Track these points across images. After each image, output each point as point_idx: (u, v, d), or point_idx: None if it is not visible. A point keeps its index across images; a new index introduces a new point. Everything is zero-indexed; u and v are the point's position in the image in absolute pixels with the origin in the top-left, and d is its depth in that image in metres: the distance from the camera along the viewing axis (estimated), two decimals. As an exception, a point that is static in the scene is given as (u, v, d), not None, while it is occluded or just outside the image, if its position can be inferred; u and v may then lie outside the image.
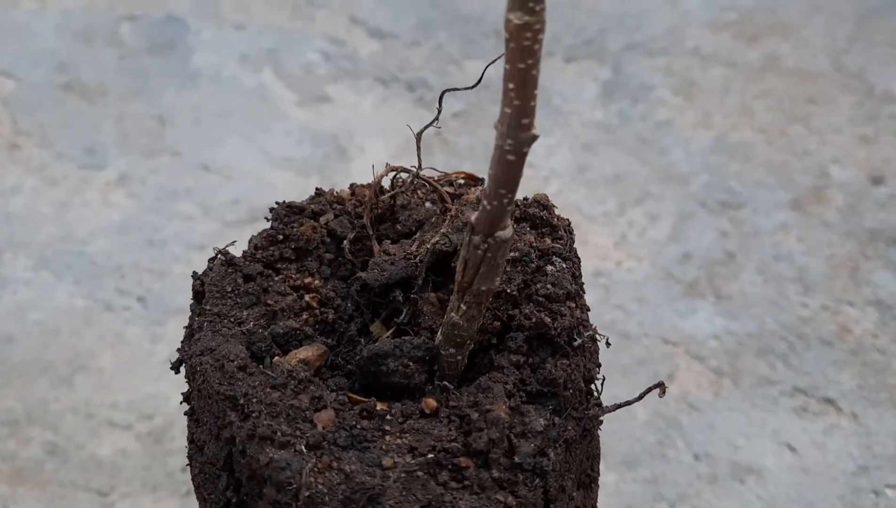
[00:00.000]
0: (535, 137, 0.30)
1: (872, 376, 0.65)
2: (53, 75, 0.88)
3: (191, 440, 0.37)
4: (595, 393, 0.38)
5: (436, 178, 0.40)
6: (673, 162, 0.82)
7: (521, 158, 0.30)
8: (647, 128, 0.85)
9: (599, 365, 0.38)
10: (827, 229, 0.76)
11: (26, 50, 0.90)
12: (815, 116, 0.88)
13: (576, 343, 0.35)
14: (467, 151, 0.82)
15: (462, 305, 0.32)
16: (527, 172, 0.85)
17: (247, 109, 0.85)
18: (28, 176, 0.76)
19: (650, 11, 1.02)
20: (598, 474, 0.41)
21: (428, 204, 0.40)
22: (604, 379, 0.39)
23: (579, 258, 0.39)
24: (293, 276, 0.37)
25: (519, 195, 0.69)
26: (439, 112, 0.39)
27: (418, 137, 0.39)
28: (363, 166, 0.80)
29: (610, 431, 0.60)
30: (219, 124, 0.83)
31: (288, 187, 0.78)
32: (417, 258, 0.36)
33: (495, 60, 0.46)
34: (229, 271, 0.37)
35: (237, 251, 0.42)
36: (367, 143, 0.83)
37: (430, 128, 0.50)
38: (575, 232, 0.72)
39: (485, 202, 0.31)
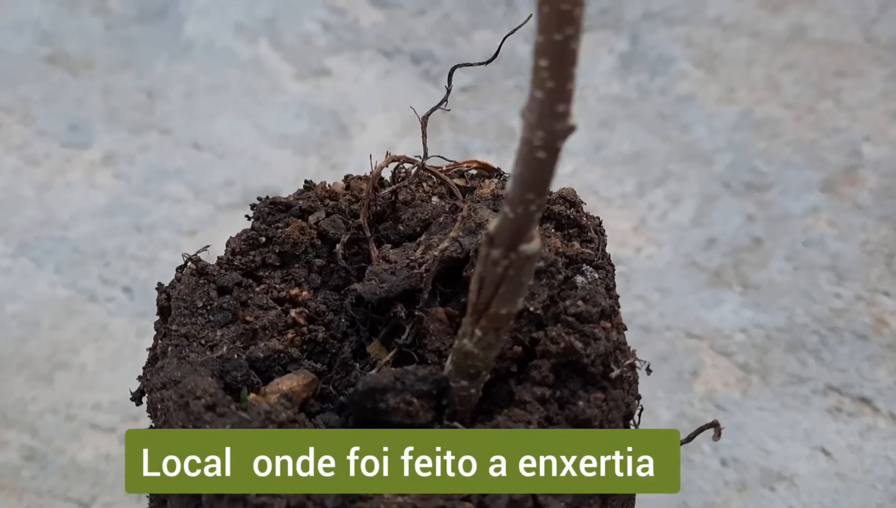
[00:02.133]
0: (572, 129, 0.25)
1: (912, 373, 0.60)
2: (36, 46, 0.82)
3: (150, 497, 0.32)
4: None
5: (444, 168, 0.35)
6: (695, 139, 0.77)
7: (553, 154, 0.25)
8: (668, 102, 0.80)
9: (639, 397, 0.33)
10: (860, 212, 0.71)
11: (7, 19, 0.85)
12: (846, 91, 0.83)
13: (613, 374, 0.30)
14: (477, 127, 0.77)
15: (477, 330, 0.27)
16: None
17: (241, 82, 0.80)
18: (8, 155, 0.72)
19: (669, -22, 0.96)
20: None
21: (435, 199, 0.35)
22: (641, 409, 0.34)
23: (613, 266, 0.35)
24: (277, 286, 0.32)
25: None
26: (448, 92, 0.34)
27: (424, 121, 0.34)
28: (365, 144, 0.75)
29: (630, 433, 0.56)
30: (211, 99, 0.79)
31: (285, 167, 0.73)
32: (423, 268, 0.31)
33: (515, 31, 0.41)
34: (201, 281, 0.33)
35: (215, 253, 0.37)
36: (369, 119, 0.78)
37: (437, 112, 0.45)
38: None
39: (507, 209, 0.26)
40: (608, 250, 0.66)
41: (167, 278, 0.63)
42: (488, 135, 0.76)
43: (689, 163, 0.74)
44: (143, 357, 0.59)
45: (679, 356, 0.60)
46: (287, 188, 0.71)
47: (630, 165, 0.74)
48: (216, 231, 0.67)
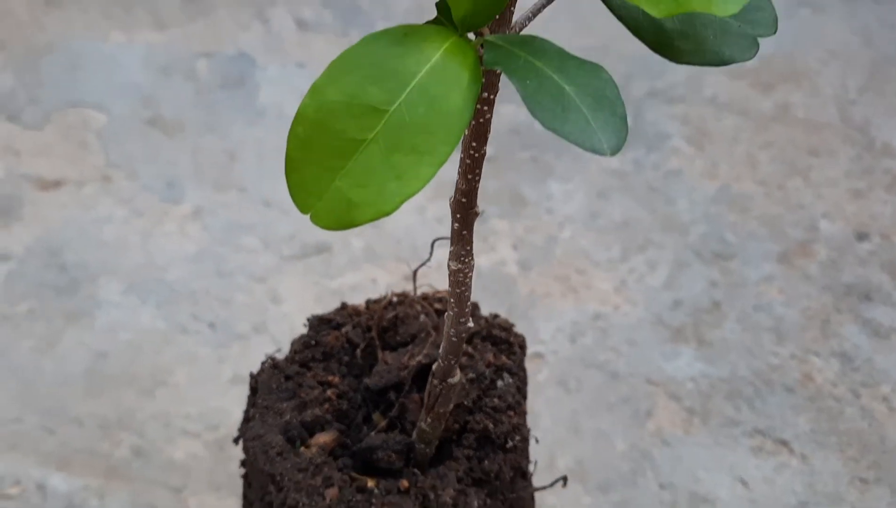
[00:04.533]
0: (470, 329, 0.42)
1: (825, 421, 0.75)
2: (139, 109, 1.01)
3: (244, 496, 0.50)
4: (527, 477, 0.50)
5: (431, 294, 0.52)
6: (677, 211, 0.92)
7: (461, 339, 0.42)
8: (658, 177, 0.95)
9: (528, 459, 0.50)
10: (808, 282, 0.85)
11: (115, 84, 1.04)
12: (815, 169, 0.97)
13: (509, 445, 0.47)
14: (494, 195, 0.93)
15: (428, 418, 0.45)
16: (544, 218, 0.98)
17: (304, 147, 0.97)
18: (118, 207, 0.90)
19: (674, 57, 1.10)
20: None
21: (423, 317, 0.52)
22: (536, 463, 0.51)
23: (525, 371, 0.51)
24: (320, 374, 0.50)
25: (537, 240, 0.81)
26: (429, 257, 0.50)
27: (414, 273, 0.51)
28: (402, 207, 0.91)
29: (592, 459, 0.72)
30: (279, 161, 0.96)
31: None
32: (406, 371, 0.48)
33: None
34: (275, 372, 0.50)
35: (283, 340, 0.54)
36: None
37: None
38: (580, 277, 0.83)
39: (440, 360, 0.43)
40: (591, 307, 0.82)
41: (241, 317, 0.81)
42: (503, 202, 0.92)
43: (668, 233, 0.89)
44: (223, 380, 0.77)
45: (638, 398, 0.76)
46: (336, 243, 0.88)
47: (619, 232, 0.90)
48: (281, 278, 0.84)
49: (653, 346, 0.80)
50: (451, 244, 0.39)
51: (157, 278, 0.84)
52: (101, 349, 0.78)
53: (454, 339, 0.42)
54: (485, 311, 0.81)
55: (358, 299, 0.65)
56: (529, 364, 0.78)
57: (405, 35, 0.28)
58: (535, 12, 0.33)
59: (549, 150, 0.98)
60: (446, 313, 0.41)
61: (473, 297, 0.82)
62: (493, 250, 0.88)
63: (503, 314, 0.82)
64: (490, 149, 1.04)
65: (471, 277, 0.40)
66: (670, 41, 0.29)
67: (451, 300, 0.41)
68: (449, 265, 0.39)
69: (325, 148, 0.28)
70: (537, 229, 0.90)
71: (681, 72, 1.09)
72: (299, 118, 0.28)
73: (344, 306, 0.53)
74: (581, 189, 0.94)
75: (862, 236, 0.90)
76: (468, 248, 0.39)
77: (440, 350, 0.43)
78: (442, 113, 0.27)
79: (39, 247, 0.86)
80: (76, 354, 0.77)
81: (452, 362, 0.42)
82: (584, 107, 0.26)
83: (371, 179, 0.27)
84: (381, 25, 1.15)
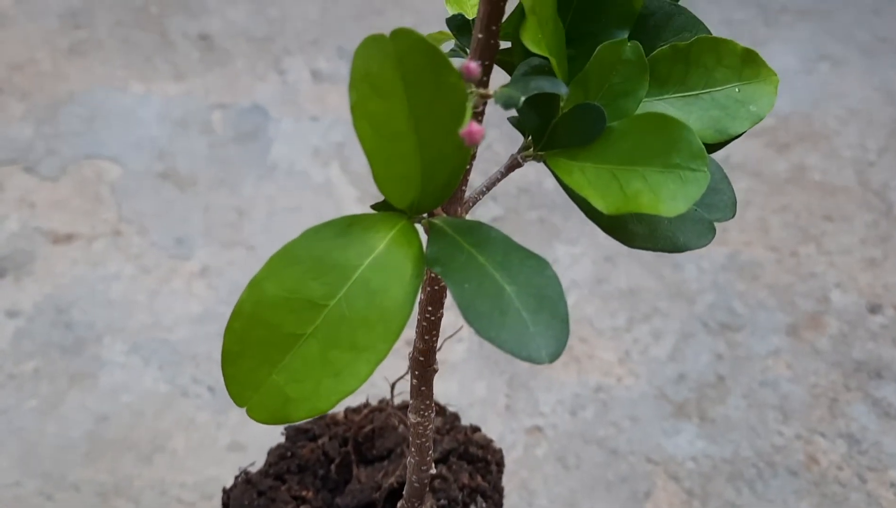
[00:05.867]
0: (431, 474, 0.41)
1: (829, 507, 0.73)
2: (153, 163, 1.02)
3: None
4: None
5: (407, 406, 0.51)
6: (684, 279, 0.91)
7: (423, 485, 0.41)
8: (667, 241, 0.94)
9: None
10: (817, 356, 0.84)
11: (132, 136, 1.05)
12: (828, 236, 0.95)
13: None
14: (500, 258, 0.92)
15: None
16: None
17: (313, 204, 0.98)
18: (127, 264, 0.91)
19: (689, 114, 1.09)
20: None
21: (401, 428, 0.51)
22: None
23: (501, 492, 0.50)
24: (294, 487, 0.50)
25: None
26: (405, 373, 0.50)
27: (392, 386, 0.51)
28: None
29: (587, 541, 0.71)
30: (288, 218, 0.96)
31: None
32: (378, 493, 0.48)
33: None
34: (248, 487, 0.50)
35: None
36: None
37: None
38: (583, 346, 0.83)
39: (405, 501, 0.43)
40: (593, 379, 0.81)
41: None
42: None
43: (675, 301, 0.88)
44: (220, 447, 0.77)
45: (637, 477, 0.75)
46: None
47: (624, 299, 0.89)
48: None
49: (654, 422, 0.79)
50: (411, 398, 0.39)
51: (162, 338, 0.84)
52: (103, 412, 0.78)
53: (416, 485, 0.42)
54: (482, 388, 0.80)
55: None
56: (528, 438, 0.78)
57: (349, 225, 0.28)
58: (489, 187, 0.33)
59: (557, 210, 0.97)
60: (408, 460, 0.41)
61: (477, 367, 0.82)
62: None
63: (504, 385, 0.82)
64: (498, 209, 1.04)
65: (431, 428, 0.39)
66: (624, 224, 0.28)
67: (412, 450, 0.40)
68: (409, 418, 0.39)
69: (263, 342, 0.28)
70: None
71: (695, 130, 1.07)
72: (236, 314, 0.28)
73: (322, 416, 0.53)
74: (588, 253, 0.93)
75: (875, 309, 0.88)
76: (427, 402, 0.38)
77: (404, 492, 0.43)
78: (382, 308, 0.27)
79: (48, 304, 0.87)
80: (78, 416, 0.78)
81: (416, 504, 0.42)
82: (523, 309, 0.26)
83: (308, 375, 0.27)
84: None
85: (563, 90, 0.26)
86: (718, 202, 0.31)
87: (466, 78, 0.24)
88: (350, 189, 1.00)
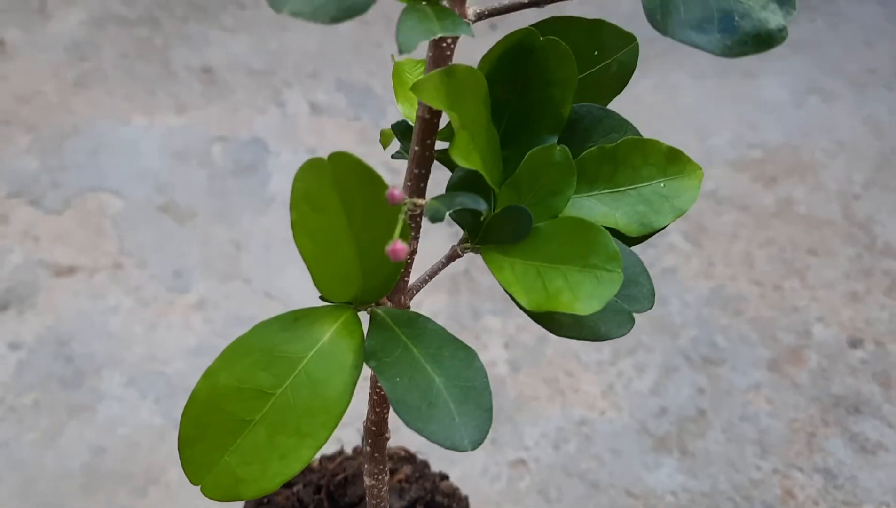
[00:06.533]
0: None
1: (804, 542, 0.75)
2: (154, 196, 1.05)
3: None
4: None
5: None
6: (669, 312, 0.92)
7: None
8: (653, 275, 0.96)
9: None
10: (796, 391, 0.86)
11: (133, 168, 1.08)
12: (813, 270, 0.97)
13: None
14: (488, 293, 0.94)
15: None
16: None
17: (308, 237, 1.00)
18: (126, 296, 0.94)
19: (678, 145, 1.11)
20: None
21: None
22: None
23: None
24: None
25: (528, 340, 0.82)
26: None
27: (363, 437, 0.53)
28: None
29: (566, 574, 0.73)
30: (284, 252, 0.99)
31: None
32: None
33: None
34: None
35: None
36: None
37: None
38: (569, 379, 0.85)
39: None
40: (577, 412, 0.83)
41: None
42: (497, 299, 0.94)
43: (659, 335, 0.90)
44: (212, 480, 0.79)
45: (617, 511, 0.77)
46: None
47: (610, 333, 0.91)
48: None
49: (635, 455, 0.81)
50: (366, 463, 0.41)
51: (158, 371, 0.87)
52: (100, 445, 0.81)
53: None
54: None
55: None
56: (512, 471, 0.80)
57: (296, 320, 0.30)
58: (431, 275, 0.35)
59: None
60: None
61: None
62: (485, 348, 0.90)
63: (489, 418, 0.84)
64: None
65: (386, 490, 0.42)
66: (551, 314, 0.30)
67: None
68: (364, 480, 0.41)
69: (216, 427, 0.30)
70: (529, 328, 0.91)
71: (684, 163, 1.09)
72: (192, 401, 0.31)
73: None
74: (576, 287, 0.95)
75: (855, 343, 0.90)
76: (381, 466, 0.41)
77: None
78: (324, 398, 0.29)
79: (50, 336, 0.90)
80: (76, 448, 0.81)
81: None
82: (451, 401, 0.28)
83: (256, 458, 0.30)
84: (391, 109, 1.18)
85: (482, 207, 0.28)
86: (637, 294, 0.33)
87: (391, 203, 0.26)
88: (344, 222, 1.02)
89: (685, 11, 0.25)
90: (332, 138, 1.13)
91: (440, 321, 0.89)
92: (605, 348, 0.89)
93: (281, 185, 1.06)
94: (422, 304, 0.93)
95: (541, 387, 0.86)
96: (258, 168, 1.09)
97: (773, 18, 0.24)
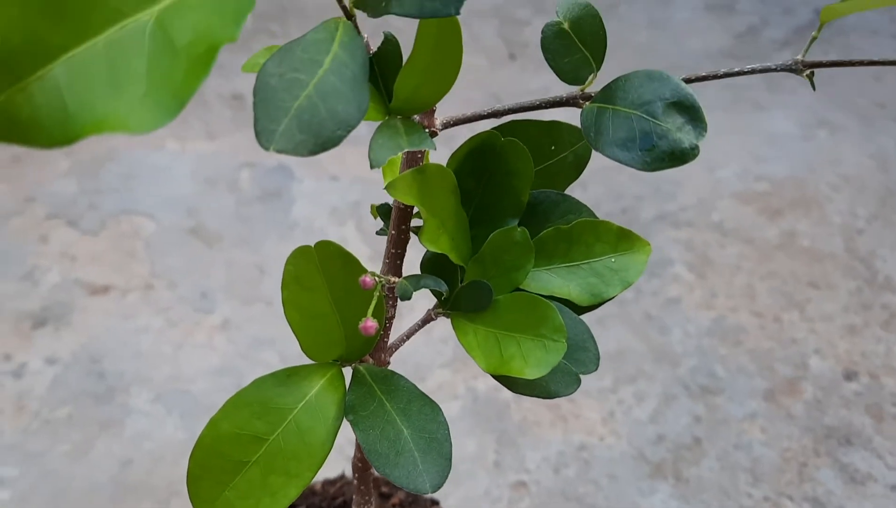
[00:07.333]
0: None
1: (790, 569, 0.78)
2: (184, 219, 1.11)
3: None
4: None
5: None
6: (670, 342, 0.96)
7: None
8: (656, 304, 1.00)
9: None
10: (790, 422, 0.89)
11: (166, 193, 1.14)
12: (813, 302, 1.00)
13: None
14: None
15: None
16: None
17: (328, 262, 1.06)
18: (156, 317, 1.00)
19: (686, 178, 1.15)
20: None
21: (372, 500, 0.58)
22: None
23: None
24: None
25: None
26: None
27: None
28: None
29: (561, 593, 0.77)
30: (304, 276, 1.04)
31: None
32: None
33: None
34: None
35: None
36: (418, 302, 1.01)
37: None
38: (571, 405, 0.89)
39: None
40: (577, 438, 0.87)
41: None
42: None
43: (660, 364, 0.94)
44: (230, 493, 0.84)
45: (611, 534, 0.81)
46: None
47: (612, 361, 0.95)
48: None
49: (631, 481, 0.85)
50: (354, 494, 0.45)
51: (184, 389, 0.93)
52: (127, 457, 0.87)
53: None
54: (472, 444, 0.87)
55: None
56: (513, 493, 0.84)
57: (288, 376, 0.35)
58: (409, 335, 0.40)
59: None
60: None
61: (470, 424, 0.88)
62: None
63: (493, 442, 0.88)
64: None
65: None
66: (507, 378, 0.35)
67: None
68: None
69: (218, 467, 0.35)
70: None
71: (691, 193, 1.13)
72: (199, 445, 0.36)
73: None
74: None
75: (850, 375, 0.93)
76: (367, 497, 0.45)
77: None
78: (309, 444, 0.34)
79: (84, 353, 0.96)
80: (105, 461, 0.86)
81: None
82: (416, 449, 0.33)
83: (251, 494, 0.34)
84: (412, 138, 1.23)
85: (443, 288, 0.33)
86: (584, 358, 0.37)
87: (364, 288, 0.31)
88: (363, 247, 1.07)
89: (613, 133, 0.29)
90: (355, 166, 1.18)
91: (448, 351, 0.94)
92: (607, 376, 0.93)
93: (303, 211, 1.12)
94: (433, 328, 0.98)
95: (544, 413, 0.90)
96: (283, 194, 1.14)
97: (687, 138, 0.28)
